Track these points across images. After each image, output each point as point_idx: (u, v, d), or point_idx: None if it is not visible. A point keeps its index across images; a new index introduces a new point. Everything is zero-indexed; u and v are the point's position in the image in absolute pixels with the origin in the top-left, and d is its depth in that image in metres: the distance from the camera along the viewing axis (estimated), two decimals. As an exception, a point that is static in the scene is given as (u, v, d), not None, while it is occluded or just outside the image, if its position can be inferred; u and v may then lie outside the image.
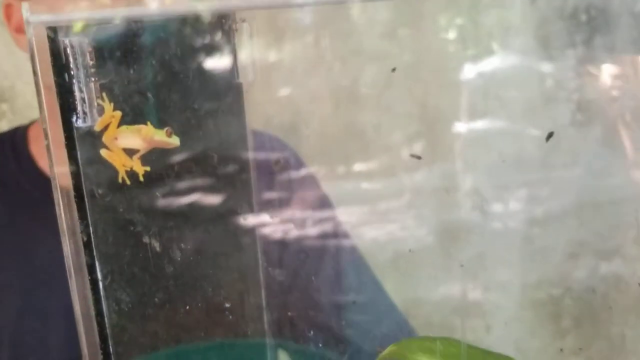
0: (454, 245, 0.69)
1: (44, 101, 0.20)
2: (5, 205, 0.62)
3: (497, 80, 0.97)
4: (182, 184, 0.28)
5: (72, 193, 0.21)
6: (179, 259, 0.30)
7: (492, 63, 0.97)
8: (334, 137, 0.59)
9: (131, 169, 0.21)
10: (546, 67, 0.94)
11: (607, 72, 0.54)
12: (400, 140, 0.59)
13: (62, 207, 0.22)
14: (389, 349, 0.35)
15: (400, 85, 0.56)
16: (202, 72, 0.29)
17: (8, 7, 0.60)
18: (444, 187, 0.61)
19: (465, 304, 0.69)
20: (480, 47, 0.98)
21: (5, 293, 0.61)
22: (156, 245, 0.28)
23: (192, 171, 0.28)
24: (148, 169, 0.22)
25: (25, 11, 0.20)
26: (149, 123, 0.22)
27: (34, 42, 0.20)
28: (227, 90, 0.31)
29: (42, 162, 0.62)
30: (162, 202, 0.26)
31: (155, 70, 0.25)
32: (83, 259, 0.22)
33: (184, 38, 0.27)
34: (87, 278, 0.22)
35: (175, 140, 0.23)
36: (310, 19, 0.45)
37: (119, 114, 0.22)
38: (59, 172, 0.21)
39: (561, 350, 0.76)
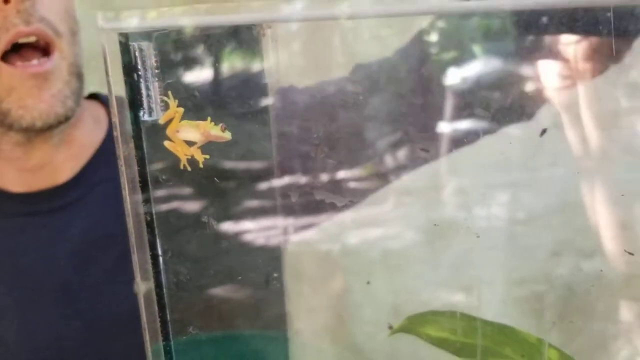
0: (440, 244, 0.69)
1: (113, 99, 0.22)
2: None
3: (480, 83, 0.97)
4: (229, 171, 0.31)
5: (137, 178, 0.23)
6: (228, 238, 0.33)
7: (475, 66, 0.96)
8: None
9: (192, 157, 0.24)
10: (526, 70, 0.94)
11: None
12: (388, 141, 0.59)
13: (127, 190, 0.24)
14: (401, 324, 0.35)
15: (387, 88, 0.56)
16: (238, 75, 0.32)
17: None
18: (431, 187, 0.61)
19: (451, 301, 0.69)
20: (462, 50, 0.98)
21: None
22: (213, 224, 0.30)
23: (235, 159, 0.31)
24: (207, 157, 0.24)
25: (100, 19, 0.22)
26: (209, 119, 0.24)
27: (106, 47, 0.22)
28: (257, 90, 0.34)
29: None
30: (217, 187, 0.29)
31: (208, 72, 0.28)
32: (145, 236, 0.24)
33: (225, 44, 0.30)
34: (148, 254, 0.24)
35: (228, 135, 0.25)
36: (318, 26, 0.45)
37: (181, 109, 0.25)
38: (125, 156, 0.23)
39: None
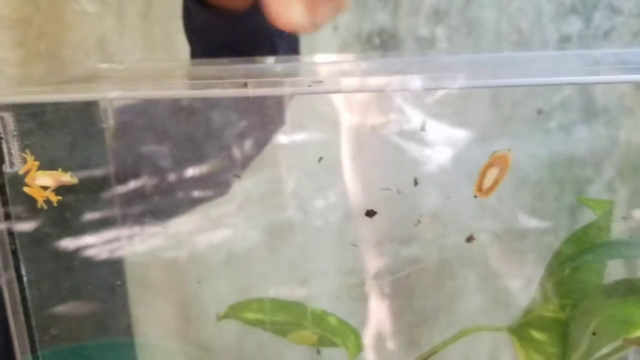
0: (279, 243, 0.73)
1: None
2: None
3: (308, 96, 1.03)
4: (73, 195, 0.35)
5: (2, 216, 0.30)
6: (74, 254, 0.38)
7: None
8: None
9: (47, 198, 0.31)
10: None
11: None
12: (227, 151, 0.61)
13: None
14: (224, 312, 0.40)
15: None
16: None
17: None
18: (269, 191, 0.64)
19: (291, 293, 0.73)
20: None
21: None
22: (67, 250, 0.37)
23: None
24: (60, 198, 0.30)
25: None
26: (60, 169, 0.30)
27: None
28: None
29: None
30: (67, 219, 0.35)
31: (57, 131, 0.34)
32: (11, 261, 0.30)
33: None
34: (14, 276, 0.30)
35: (75, 180, 0.31)
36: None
37: (37, 163, 0.30)
38: None
39: (375, 324, 0.81)
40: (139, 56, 0.96)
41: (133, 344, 0.49)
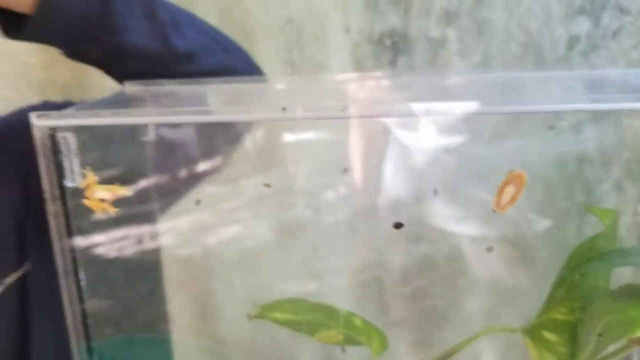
0: (291, 241, 0.74)
1: (43, 171, 0.31)
2: None
3: (317, 96, 1.04)
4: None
5: (63, 227, 0.33)
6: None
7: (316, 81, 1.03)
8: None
9: (104, 209, 0.33)
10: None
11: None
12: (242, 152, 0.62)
13: (57, 238, 0.33)
14: (257, 312, 0.42)
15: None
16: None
17: None
18: (280, 190, 0.65)
19: (303, 290, 0.74)
20: (307, 69, 1.04)
21: None
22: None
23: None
24: (116, 209, 0.33)
25: (34, 118, 0.30)
26: (116, 185, 0.33)
27: (38, 136, 0.30)
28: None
29: None
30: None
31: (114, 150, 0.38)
32: (71, 271, 0.33)
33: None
34: (72, 279, 0.33)
35: (128, 192, 0.34)
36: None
37: (96, 178, 0.33)
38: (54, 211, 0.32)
39: (386, 322, 0.83)
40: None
41: (169, 340, 0.52)
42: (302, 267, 0.77)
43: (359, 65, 1.02)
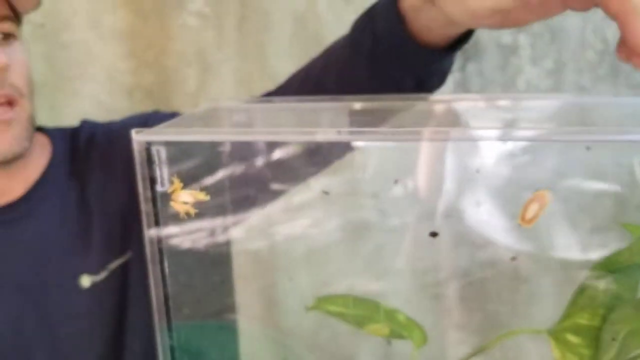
0: (357, 241, 0.76)
1: (139, 177, 0.37)
2: None
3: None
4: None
5: (153, 224, 0.39)
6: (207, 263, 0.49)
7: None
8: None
9: (187, 212, 0.38)
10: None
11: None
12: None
13: (148, 232, 0.39)
14: (313, 304, 0.47)
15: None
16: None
17: None
18: (348, 191, 0.68)
19: (365, 290, 0.76)
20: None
21: None
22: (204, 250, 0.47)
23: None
24: (196, 211, 0.39)
25: (133, 134, 0.37)
26: (199, 189, 0.39)
27: (136, 149, 0.37)
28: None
29: None
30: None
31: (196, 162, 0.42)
32: (157, 260, 0.39)
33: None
34: (158, 267, 0.40)
35: (207, 197, 0.40)
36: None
37: (180, 184, 0.39)
38: (146, 210, 0.39)
39: (448, 325, 0.83)
40: (234, 66, 1.02)
41: (235, 328, 0.57)
42: (366, 266, 0.79)
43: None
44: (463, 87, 1.07)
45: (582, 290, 0.40)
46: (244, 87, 1.05)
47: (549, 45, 1.08)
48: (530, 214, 0.37)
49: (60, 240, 0.68)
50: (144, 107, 1.02)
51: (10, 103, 0.62)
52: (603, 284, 0.39)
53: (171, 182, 0.39)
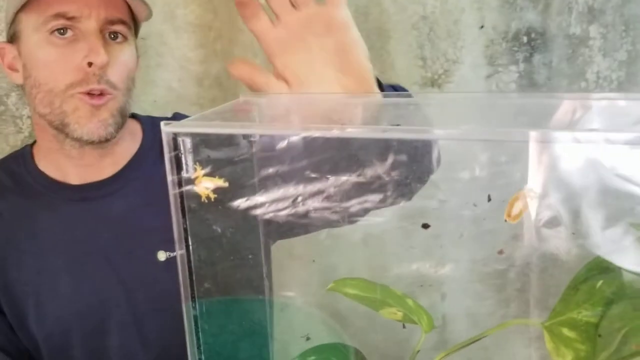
0: (413, 227, 0.76)
1: (167, 164, 0.41)
2: (27, 202, 0.75)
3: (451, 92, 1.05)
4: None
5: (179, 205, 0.42)
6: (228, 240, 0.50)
7: (448, 78, 1.04)
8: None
9: (208, 196, 0.42)
10: (491, 80, 1.02)
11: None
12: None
13: (176, 213, 0.43)
14: (331, 285, 0.49)
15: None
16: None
17: (2, 50, 0.74)
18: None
19: (423, 276, 0.76)
20: (439, 64, 1.06)
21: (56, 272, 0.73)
22: (223, 231, 0.49)
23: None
24: (216, 195, 0.43)
25: (162, 125, 0.40)
26: (217, 177, 0.43)
27: (165, 139, 0.40)
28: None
29: (44, 168, 0.77)
30: (221, 210, 0.46)
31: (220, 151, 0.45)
32: (183, 235, 0.43)
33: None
34: (184, 250, 0.43)
35: (226, 184, 0.43)
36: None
37: (202, 171, 0.42)
38: (174, 194, 0.42)
39: (505, 316, 0.82)
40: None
41: (270, 302, 0.58)
42: (423, 253, 0.79)
43: (491, 62, 1.02)
44: (529, 79, 1.05)
45: (577, 285, 0.40)
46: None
47: (621, 36, 1.04)
48: (515, 210, 0.39)
49: (143, 218, 0.75)
50: (213, 94, 1.05)
51: (102, 94, 0.69)
52: (602, 281, 0.38)
53: (194, 169, 0.42)
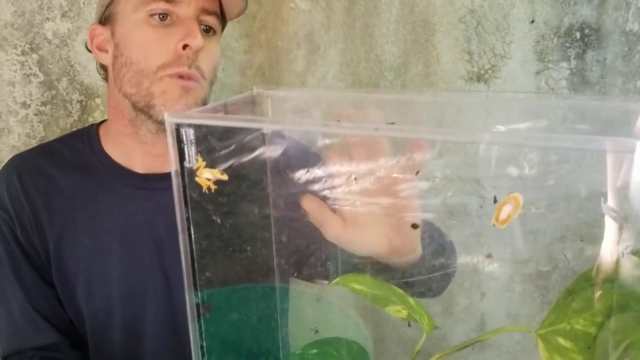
0: (455, 225, 0.75)
1: (172, 153, 0.41)
2: (88, 182, 0.77)
3: (499, 88, 1.02)
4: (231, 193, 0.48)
5: (182, 195, 0.43)
6: (228, 228, 0.52)
7: (495, 74, 1.01)
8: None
9: (209, 187, 0.42)
10: (541, 76, 0.98)
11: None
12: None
13: (179, 202, 0.43)
14: (336, 280, 0.49)
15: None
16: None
17: (92, 31, 0.75)
18: (450, 176, 0.66)
19: (463, 274, 0.74)
20: (486, 59, 1.03)
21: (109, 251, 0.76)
22: (221, 221, 0.50)
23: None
24: (216, 187, 0.43)
25: (166, 115, 0.41)
26: (217, 169, 0.43)
27: (168, 129, 0.41)
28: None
29: (110, 151, 0.78)
30: (222, 201, 0.47)
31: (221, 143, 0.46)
32: (186, 226, 0.43)
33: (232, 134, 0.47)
34: (187, 238, 0.43)
35: (225, 177, 0.44)
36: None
37: (204, 163, 0.43)
38: (177, 184, 0.43)
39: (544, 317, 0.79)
40: (341, 48, 1.03)
41: (274, 288, 0.58)
42: (462, 251, 0.77)
43: (542, 58, 0.99)
44: (581, 76, 1.01)
45: (573, 294, 0.38)
46: (349, 69, 1.05)
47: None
48: (504, 215, 0.39)
49: None
50: (256, 83, 1.05)
51: (191, 78, 0.70)
52: (601, 291, 0.36)
53: (196, 160, 0.42)
